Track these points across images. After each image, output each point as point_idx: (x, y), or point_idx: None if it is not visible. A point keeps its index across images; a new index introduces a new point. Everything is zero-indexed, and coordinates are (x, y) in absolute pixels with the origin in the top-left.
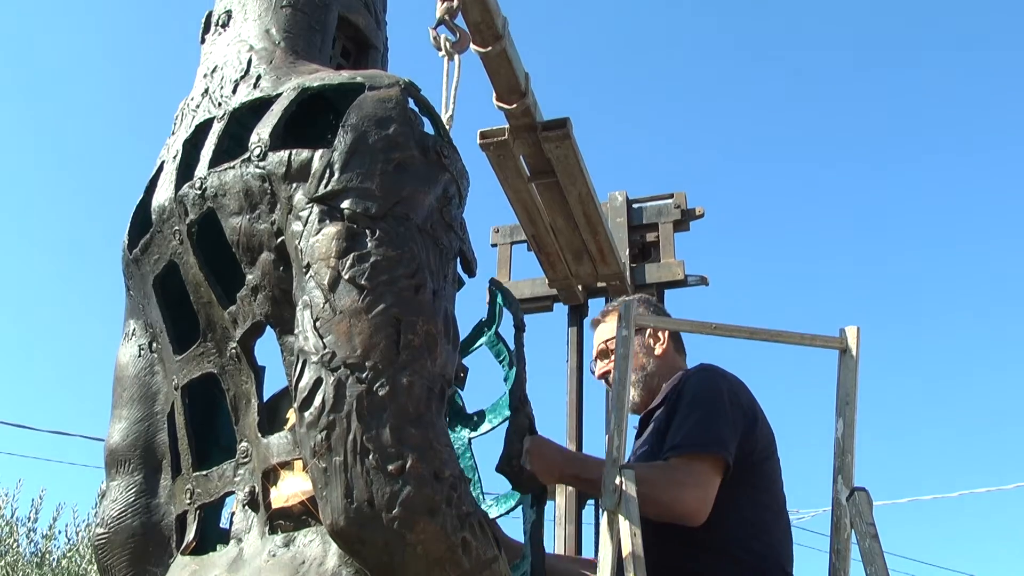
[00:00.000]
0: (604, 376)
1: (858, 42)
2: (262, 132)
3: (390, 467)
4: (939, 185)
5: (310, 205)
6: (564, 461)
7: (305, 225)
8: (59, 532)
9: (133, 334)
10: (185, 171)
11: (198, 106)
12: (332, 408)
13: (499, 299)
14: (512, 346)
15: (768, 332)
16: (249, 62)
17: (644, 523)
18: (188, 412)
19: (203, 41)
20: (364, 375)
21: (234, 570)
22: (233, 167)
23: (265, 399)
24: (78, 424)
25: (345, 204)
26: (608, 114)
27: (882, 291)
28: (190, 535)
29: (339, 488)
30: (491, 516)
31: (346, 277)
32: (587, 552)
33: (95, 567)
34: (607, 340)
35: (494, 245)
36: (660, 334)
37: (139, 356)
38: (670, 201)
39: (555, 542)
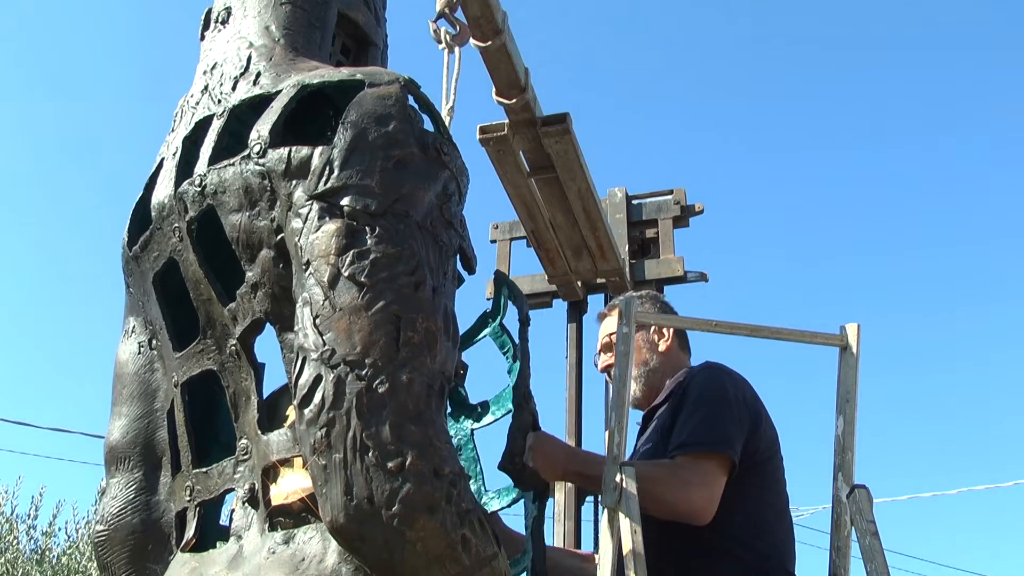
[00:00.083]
0: (607, 369)
1: (859, 38)
2: (262, 129)
3: (390, 464)
4: (940, 182)
5: (310, 202)
6: (567, 458)
7: (305, 222)
8: (59, 529)
9: (133, 331)
10: (185, 168)
11: (198, 103)
12: (332, 405)
13: (504, 291)
14: (516, 339)
15: (768, 329)
16: (249, 59)
17: (645, 521)
18: (188, 409)
19: (203, 38)
20: (364, 372)
21: (234, 567)
22: (233, 164)
23: (265, 396)
24: (78, 421)
25: (345, 201)
26: (608, 110)
27: (882, 288)
28: (190, 532)
29: (339, 485)
30: (492, 509)
31: (346, 274)
32: (586, 548)
33: (95, 564)
34: (611, 334)
35: (493, 241)
36: (665, 330)
37: (139, 353)
38: (670, 197)
39: (554, 538)
